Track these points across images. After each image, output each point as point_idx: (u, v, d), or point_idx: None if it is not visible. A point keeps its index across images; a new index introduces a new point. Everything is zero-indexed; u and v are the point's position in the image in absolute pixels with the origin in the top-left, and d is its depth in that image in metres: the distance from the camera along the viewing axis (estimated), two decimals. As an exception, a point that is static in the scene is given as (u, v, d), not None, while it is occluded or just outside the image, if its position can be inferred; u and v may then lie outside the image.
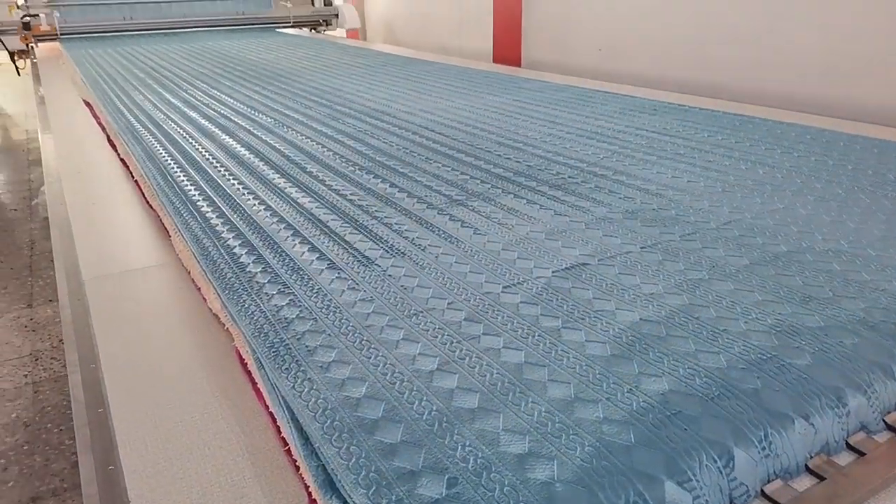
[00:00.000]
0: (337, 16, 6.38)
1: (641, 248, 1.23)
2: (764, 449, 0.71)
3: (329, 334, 0.96)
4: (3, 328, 2.54)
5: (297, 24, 6.43)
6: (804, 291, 1.04)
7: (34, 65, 4.62)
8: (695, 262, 1.16)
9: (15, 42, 5.12)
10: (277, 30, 6.33)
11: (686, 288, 1.06)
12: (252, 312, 1.04)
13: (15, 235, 3.54)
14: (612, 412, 0.76)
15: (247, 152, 2.00)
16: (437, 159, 1.90)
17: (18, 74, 5.48)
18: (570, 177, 1.71)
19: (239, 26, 6.24)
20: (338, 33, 6.64)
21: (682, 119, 2.31)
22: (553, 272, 1.14)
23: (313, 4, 6.61)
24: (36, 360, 2.33)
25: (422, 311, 1.02)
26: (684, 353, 0.88)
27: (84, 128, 2.63)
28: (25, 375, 2.23)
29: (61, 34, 5.29)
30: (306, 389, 0.82)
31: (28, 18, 5.05)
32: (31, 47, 5.09)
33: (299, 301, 1.07)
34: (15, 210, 3.97)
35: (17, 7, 5.17)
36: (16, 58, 5.29)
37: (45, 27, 5.20)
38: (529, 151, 1.96)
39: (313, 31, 6.55)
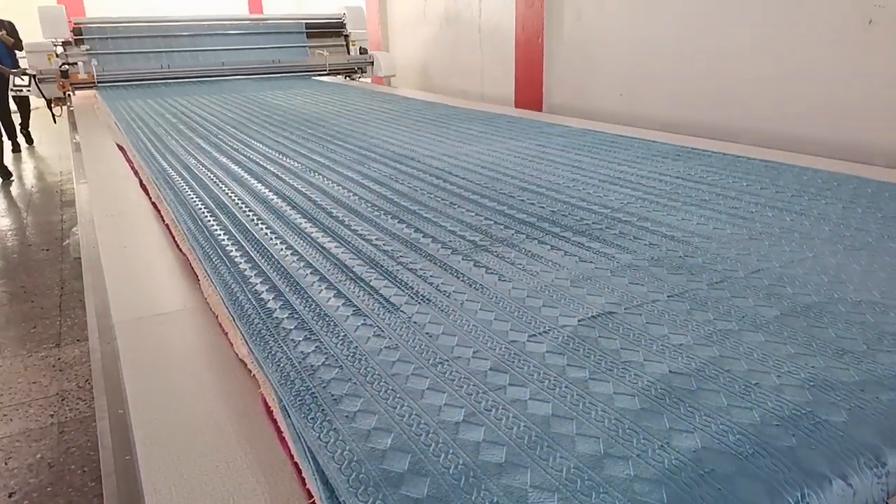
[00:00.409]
0: (372, 63, 6.37)
1: (668, 296, 1.22)
2: (802, 511, 0.69)
3: (355, 382, 0.96)
4: (32, 368, 2.58)
5: (333, 73, 6.45)
6: (837, 344, 1.02)
7: (70, 112, 4.72)
8: (724, 312, 1.15)
9: (53, 89, 5.20)
10: (313, 77, 6.34)
11: (716, 339, 1.05)
12: (278, 359, 1.04)
13: (45, 275, 3.63)
14: (644, 470, 0.75)
15: (274, 196, 2.04)
16: (461, 204, 1.92)
17: (55, 122, 5.55)
18: (594, 223, 1.71)
19: (274, 74, 6.23)
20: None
21: (705, 164, 2.31)
22: (579, 321, 1.14)
23: (348, 52, 6.54)
24: (62, 399, 2.35)
25: (447, 360, 1.02)
26: (716, 407, 0.86)
27: (117, 172, 2.70)
28: (51, 415, 2.25)
29: (98, 82, 5.37)
30: (332, 440, 0.82)
31: (66, 67, 5.16)
32: (69, 95, 5.22)
33: (325, 348, 1.07)
34: (46, 250, 4.07)
35: (56, 56, 5.27)
36: (52, 105, 5.35)
37: (82, 75, 5.26)
38: (553, 196, 1.97)
39: (348, 78, 6.58)
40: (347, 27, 6.53)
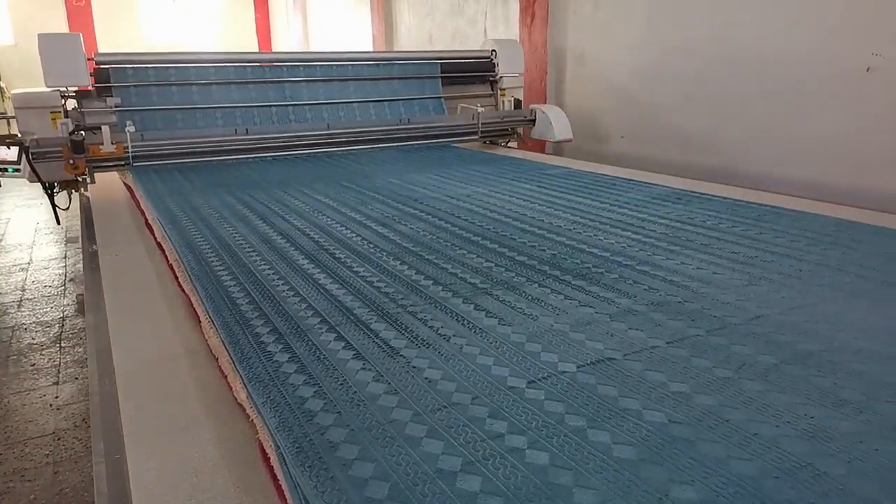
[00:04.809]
0: (534, 121, 4.17)
1: (668, 343, 1.22)
2: (803, 568, 0.68)
3: (353, 429, 0.96)
4: (30, 406, 2.57)
5: (486, 137, 4.22)
6: (837, 394, 1.02)
7: (85, 206, 2.79)
8: (723, 359, 1.15)
9: (57, 170, 3.01)
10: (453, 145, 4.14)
11: (715, 387, 1.05)
12: (277, 403, 1.04)
13: (47, 312, 3.63)
14: (642, 523, 0.74)
15: (278, 237, 2.05)
16: (462, 245, 1.94)
17: (58, 223, 3.45)
18: (594, 266, 1.72)
19: (398, 140, 3.92)
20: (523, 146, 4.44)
21: (705, 208, 2.33)
22: (578, 367, 1.14)
23: (497, 105, 4.34)
24: (58, 439, 2.33)
25: (446, 406, 1.02)
26: (715, 458, 0.86)
27: (123, 211, 2.70)
28: (47, 455, 2.23)
29: (133, 155, 3.13)
30: (329, 489, 0.82)
31: (83, 133, 2.98)
32: (84, 179, 3.07)
33: (325, 392, 1.07)
34: (48, 287, 4.08)
35: (66, 116, 3.11)
36: (56, 194, 3.25)
37: (108, 147, 3.07)
38: (553, 239, 1.99)
39: (488, 142, 4.31)
40: (499, 69, 4.32)
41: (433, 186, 2.85)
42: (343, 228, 2.15)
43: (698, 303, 1.43)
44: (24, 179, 2.97)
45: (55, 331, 3.35)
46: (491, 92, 4.41)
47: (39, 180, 3.00)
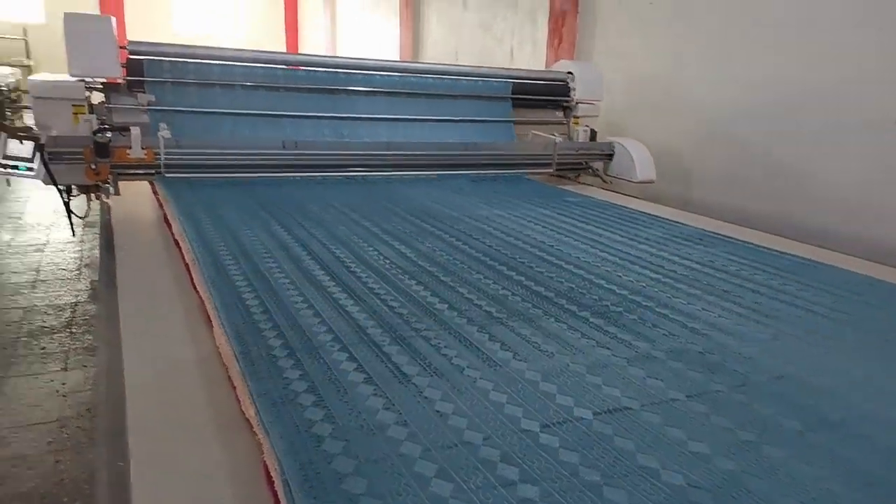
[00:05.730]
0: (611, 156, 3.69)
1: (687, 396, 1.19)
2: None
3: (361, 460, 0.94)
4: (36, 390, 2.57)
5: (561, 170, 3.71)
6: (865, 468, 0.98)
7: (106, 218, 2.48)
8: (744, 420, 1.11)
9: (77, 174, 2.59)
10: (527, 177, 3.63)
11: (736, 451, 1.01)
12: (285, 425, 1.02)
13: (61, 296, 3.64)
14: None
15: (295, 244, 2.03)
16: (478, 269, 1.91)
17: (73, 234, 3.50)
18: (612, 304, 1.69)
19: (464, 168, 3.41)
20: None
21: (728, 252, 2.29)
22: (594, 414, 1.11)
23: (571, 138, 3.80)
24: (62, 427, 2.33)
25: (457, 444, 1.00)
26: (734, 530, 0.82)
27: (142, 203, 2.67)
28: (49, 443, 2.22)
29: (167, 166, 2.70)
30: (333, 526, 0.79)
31: (109, 135, 2.61)
32: (107, 186, 2.66)
33: (334, 417, 1.05)
34: (64, 270, 4.10)
35: (91, 111, 2.73)
36: (71, 198, 2.76)
37: (136, 152, 2.65)
38: (571, 271, 1.96)
39: (558, 176, 3.80)
40: (575, 93, 3.81)
41: (451, 203, 2.82)
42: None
43: (719, 355, 1.39)
44: (38, 181, 2.52)
45: (67, 315, 3.36)
46: (563, 119, 3.90)
47: (55, 184, 2.56)
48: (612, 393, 1.19)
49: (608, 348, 1.40)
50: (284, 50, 13.93)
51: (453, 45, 7.12)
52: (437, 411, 1.09)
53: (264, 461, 1.00)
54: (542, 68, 5.24)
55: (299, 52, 13.69)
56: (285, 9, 14.34)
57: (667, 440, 1.03)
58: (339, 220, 2.40)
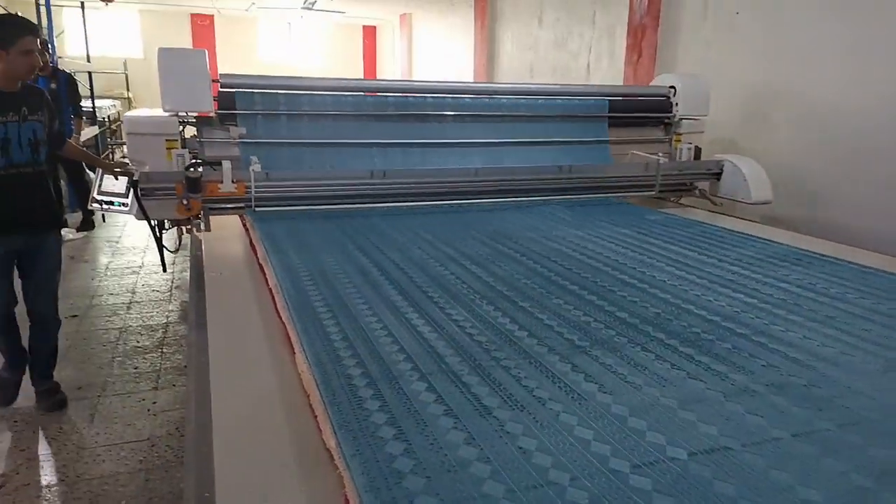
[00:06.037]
0: (719, 175, 3.43)
1: (793, 435, 1.10)
2: None
3: (443, 499, 0.91)
4: (129, 409, 2.70)
5: (665, 192, 3.48)
6: None
7: (196, 253, 2.35)
8: (859, 463, 1.01)
9: (167, 208, 2.62)
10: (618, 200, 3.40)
11: (852, 499, 0.92)
12: (366, 458, 1.01)
13: (153, 317, 3.84)
14: None
15: (374, 268, 2.04)
16: (558, 294, 1.86)
17: (164, 269, 3.45)
18: (703, 332, 1.59)
19: (556, 193, 3.26)
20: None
21: (829, 274, 2.13)
22: (689, 454, 1.04)
23: (672, 158, 3.55)
24: (152, 445, 2.43)
25: (542, 485, 0.95)
26: None
27: (232, 237, 2.63)
28: (140, 461, 2.32)
29: (256, 198, 2.70)
30: (417, 571, 0.77)
31: (200, 170, 2.62)
32: (198, 221, 2.64)
33: (414, 452, 1.03)
34: (156, 291, 4.32)
35: (184, 146, 2.77)
36: (162, 232, 2.87)
37: (227, 187, 2.65)
38: (657, 295, 1.87)
39: (657, 199, 3.52)
40: (678, 108, 3.57)
41: (523, 225, 2.77)
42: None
43: (827, 388, 1.28)
44: (132, 216, 2.61)
45: (158, 336, 3.53)
46: (664, 137, 3.70)
47: (147, 220, 2.61)
48: (708, 431, 1.11)
49: (701, 380, 1.32)
50: (362, 76, 14.32)
51: (528, 62, 7.11)
52: (520, 447, 1.05)
53: (345, 496, 0.99)
54: (620, 83, 5.15)
55: (377, 77, 14.01)
56: (363, 36, 14.79)
57: (772, 486, 0.95)
58: (415, 242, 2.41)
